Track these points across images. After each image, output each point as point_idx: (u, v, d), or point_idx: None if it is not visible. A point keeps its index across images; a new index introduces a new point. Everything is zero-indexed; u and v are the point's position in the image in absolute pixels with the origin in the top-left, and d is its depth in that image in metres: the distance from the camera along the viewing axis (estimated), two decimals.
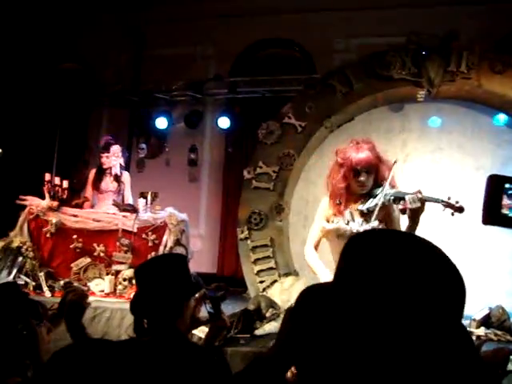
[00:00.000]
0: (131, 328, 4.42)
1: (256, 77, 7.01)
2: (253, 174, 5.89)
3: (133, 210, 5.43)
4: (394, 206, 3.12)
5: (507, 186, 1.38)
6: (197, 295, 2.00)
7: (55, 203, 5.40)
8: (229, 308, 5.15)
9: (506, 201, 1.38)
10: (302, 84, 6.30)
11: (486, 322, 4.56)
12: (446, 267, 0.89)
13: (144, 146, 7.54)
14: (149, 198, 5.61)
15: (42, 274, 5.11)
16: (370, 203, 3.15)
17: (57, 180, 5.65)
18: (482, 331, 4.38)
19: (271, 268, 5.69)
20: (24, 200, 5.29)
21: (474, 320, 4.45)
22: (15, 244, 5.31)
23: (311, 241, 3.43)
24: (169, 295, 1.85)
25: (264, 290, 5.56)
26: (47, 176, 5.53)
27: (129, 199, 5.86)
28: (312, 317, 0.94)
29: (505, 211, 1.39)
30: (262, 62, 7.55)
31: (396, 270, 0.87)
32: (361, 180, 3.14)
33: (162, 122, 7.20)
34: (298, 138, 5.89)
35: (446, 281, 0.88)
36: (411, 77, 5.53)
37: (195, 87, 7.19)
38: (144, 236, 5.32)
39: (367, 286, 0.87)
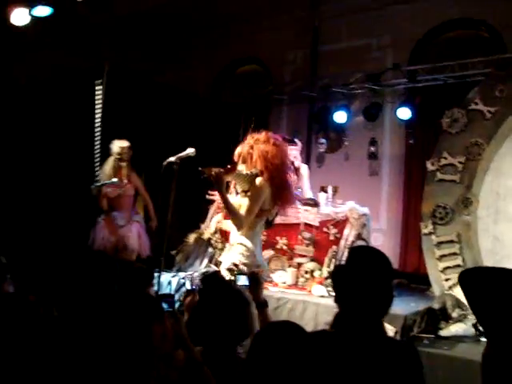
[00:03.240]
0: (313, 320, 4.52)
1: (437, 63, 6.62)
2: (437, 165, 5.59)
3: (314, 204, 5.51)
4: None
5: None
6: None
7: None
8: (411, 306, 4.98)
9: None
10: (491, 66, 5.80)
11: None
12: None
13: (323, 140, 7.61)
14: (329, 191, 5.66)
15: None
16: None
17: None
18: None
19: (458, 265, 5.35)
20: (212, 195, 5.68)
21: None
22: (206, 236, 5.78)
23: None
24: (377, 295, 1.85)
25: (450, 288, 5.26)
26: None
27: (307, 193, 5.93)
28: None
29: None
30: (442, 47, 7.12)
31: None
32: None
33: (340, 116, 7.20)
34: (486, 126, 5.45)
35: None
36: None
37: (373, 79, 7.04)
38: (325, 230, 5.38)
39: None
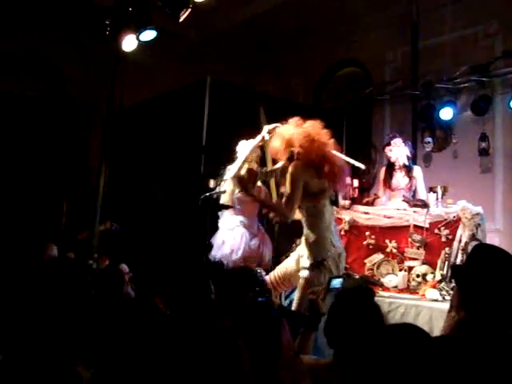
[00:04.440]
0: (427, 325, 4.37)
1: None
2: None
3: (423, 205, 5.34)
4: None
5: None
6: None
7: (348, 202, 5.67)
8: None
9: None
10: None
11: None
12: None
13: (430, 139, 7.34)
14: (439, 192, 5.45)
15: None
16: None
17: (348, 179, 5.93)
18: None
19: None
20: None
21: None
22: None
23: None
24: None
25: None
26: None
27: (423, 194, 5.73)
28: None
29: None
30: None
31: None
32: None
33: (446, 113, 6.92)
34: None
35: None
36: None
37: (480, 70, 6.69)
38: (436, 231, 5.18)
39: None
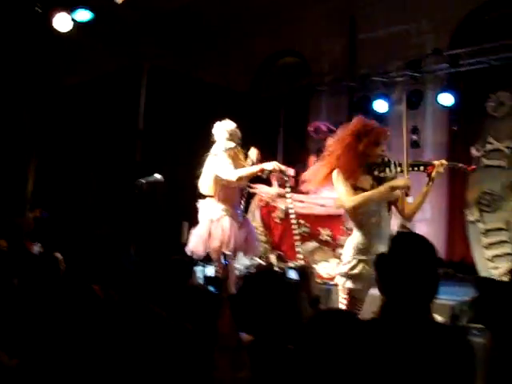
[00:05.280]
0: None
1: (480, 45, 6.44)
2: (482, 151, 5.48)
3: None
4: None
5: None
6: None
7: (284, 190, 5.72)
8: (459, 295, 4.88)
9: None
10: None
11: None
12: None
13: None
14: None
15: (273, 257, 5.51)
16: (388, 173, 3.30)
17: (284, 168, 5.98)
18: None
19: (508, 254, 5.23)
20: (253, 188, 5.66)
21: None
22: None
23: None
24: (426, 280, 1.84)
25: (500, 277, 5.14)
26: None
27: None
28: None
29: None
30: (486, 29, 6.92)
31: None
32: (383, 150, 3.36)
33: (381, 105, 7.11)
34: None
35: None
36: None
37: (413, 66, 6.92)
38: None
39: None
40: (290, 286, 2.29)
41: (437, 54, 6.77)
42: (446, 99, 6.64)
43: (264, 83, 9.10)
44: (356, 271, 3.20)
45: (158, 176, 5.29)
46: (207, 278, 5.02)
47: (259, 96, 8.55)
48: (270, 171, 4.68)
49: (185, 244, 4.83)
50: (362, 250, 3.21)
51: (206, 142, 4.81)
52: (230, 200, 4.79)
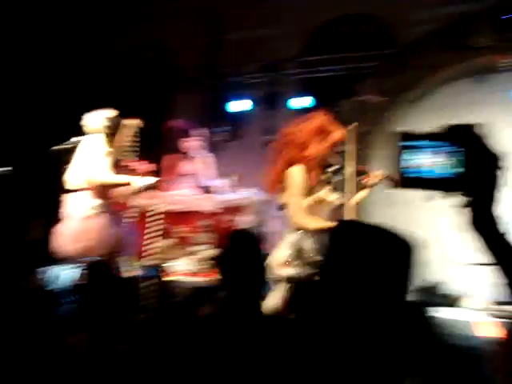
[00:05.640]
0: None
1: (331, 55, 6.89)
2: None
3: (214, 191, 5.55)
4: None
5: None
6: None
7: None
8: None
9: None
10: (379, 59, 6.14)
11: None
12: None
13: (222, 129, 7.65)
14: (229, 180, 5.72)
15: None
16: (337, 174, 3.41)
17: (137, 165, 5.84)
18: None
19: None
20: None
21: None
22: None
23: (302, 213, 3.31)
24: None
25: None
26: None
27: (212, 182, 5.93)
28: None
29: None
30: (337, 39, 7.41)
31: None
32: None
33: (237, 106, 7.28)
34: (375, 116, 5.76)
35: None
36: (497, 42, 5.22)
37: (271, 69, 7.20)
38: (223, 217, 5.43)
39: None
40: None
41: (294, 59, 7.10)
42: (299, 103, 7.00)
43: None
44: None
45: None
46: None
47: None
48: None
49: (36, 241, 4.48)
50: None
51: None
52: (103, 194, 4.40)
